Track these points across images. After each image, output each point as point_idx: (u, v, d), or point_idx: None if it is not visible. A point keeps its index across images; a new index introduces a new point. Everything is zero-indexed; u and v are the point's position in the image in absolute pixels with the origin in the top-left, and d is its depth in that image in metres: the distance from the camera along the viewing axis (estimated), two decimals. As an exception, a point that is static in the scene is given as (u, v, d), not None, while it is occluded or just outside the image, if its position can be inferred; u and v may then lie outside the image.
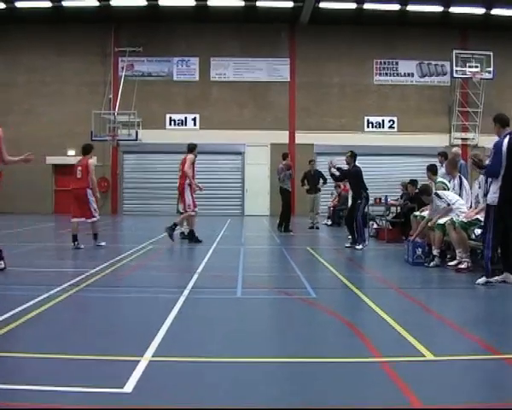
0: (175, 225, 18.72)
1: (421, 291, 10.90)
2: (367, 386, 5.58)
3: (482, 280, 11.06)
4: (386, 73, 40.50)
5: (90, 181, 17.28)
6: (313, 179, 25.72)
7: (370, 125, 40.20)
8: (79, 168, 17.36)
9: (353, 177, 18.28)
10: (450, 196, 14.34)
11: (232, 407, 4.98)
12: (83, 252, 16.15)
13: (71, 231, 17.24)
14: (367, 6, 37.52)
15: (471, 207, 14.26)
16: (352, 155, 18.32)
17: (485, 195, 11.68)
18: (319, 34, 39.38)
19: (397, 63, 40.40)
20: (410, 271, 13.42)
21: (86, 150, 17.90)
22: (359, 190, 17.97)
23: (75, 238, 16.98)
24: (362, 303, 9.44)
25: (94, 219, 17.47)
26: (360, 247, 17.44)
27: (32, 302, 8.76)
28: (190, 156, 18.91)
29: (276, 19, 38.99)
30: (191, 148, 19.21)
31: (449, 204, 13.96)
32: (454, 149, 16.72)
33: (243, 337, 7.37)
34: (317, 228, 26.02)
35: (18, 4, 37.27)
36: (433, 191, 14.55)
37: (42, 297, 9.17)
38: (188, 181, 18.65)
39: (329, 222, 28.96)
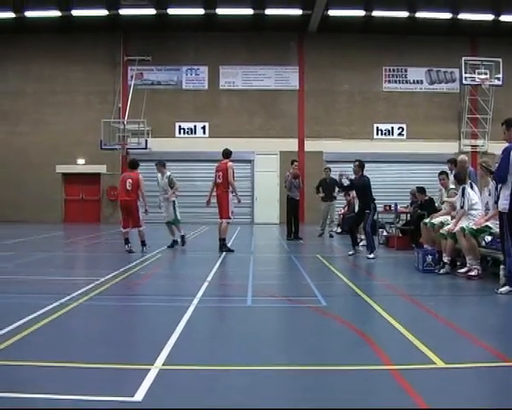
0: (223, 240, 18.68)
1: (431, 299, 10.87)
2: (377, 394, 5.56)
3: (505, 289, 10.89)
4: (396, 81, 40.45)
5: (141, 194, 18.30)
6: (329, 187, 25.64)
7: (380, 132, 40.15)
8: (129, 181, 18.15)
9: (361, 188, 18.12)
10: (474, 197, 14.15)
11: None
12: (93, 261, 16.19)
13: (122, 236, 18.16)
14: (376, 13, 37.51)
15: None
16: (360, 165, 18.12)
17: (496, 202, 11.64)
18: (328, 42, 39.37)
19: (406, 70, 40.35)
20: (421, 278, 13.39)
21: (134, 165, 18.87)
22: (367, 201, 17.84)
23: (127, 241, 17.89)
24: (372, 311, 9.42)
25: (141, 228, 18.26)
26: (372, 256, 17.31)
27: (42, 311, 8.78)
28: (231, 164, 18.91)
29: (284, 27, 38.99)
30: (228, 153, 19.33)
31: (462, 207, 13.85)
32: (461, 157, 16.71)
33: (253, 346, 7.37)
34: (332, 236, 26.01)
35: (27, 14, 37.40)
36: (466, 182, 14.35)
37: (52, 306, 9.18)
38: (231, 188, 18.69)
39: (339, 230, 28.91)
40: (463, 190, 14.05)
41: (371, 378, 6.02)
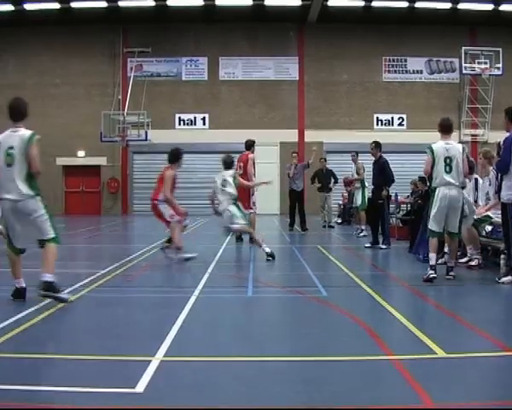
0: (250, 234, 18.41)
1: (432, 289, 10.85)
2: (379, 384, 5.57)
3: (508, 279, 10.87)
4: (395, 71, 40.46)
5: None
6: (325, 178, 25.52)
7: (380, 122, 40.16)
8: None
9: (380, 168, 17.65)
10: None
11: (243, 406, 4.98)
12: (94, 253, 16.21)
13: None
14: (375, 3, 37.45)
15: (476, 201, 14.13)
16: (377, 145, 17.89)
17: (497, 192, 11.63)
18: (328, 32, 39.36)
19: (406, 60, 40.35)
20: (421, 268, 13.36)
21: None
22: (382, 183, 17.44)
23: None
24: (373, 301, 9.43)
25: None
26: (385, 247, 17.23)
27: (43, 303, 8.78)
28: (252, 156, 18.45)
29: (284, 18, 38.96)
30: (250, 144, 18.99)
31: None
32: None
33: (254, 337, 7.38)
34: (332, 227, 25.92)
35: (27, 6, 37.33)
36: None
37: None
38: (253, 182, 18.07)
39: (339, 220, 28.91)
40: (476, 181, 14.03)
41: (372, 369, 6.03)
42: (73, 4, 37.52)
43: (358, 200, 22.67)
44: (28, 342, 6.95)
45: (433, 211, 11.47)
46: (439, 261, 13.59)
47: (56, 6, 37.43)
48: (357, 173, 23.19)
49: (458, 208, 11.54)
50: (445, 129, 11.81)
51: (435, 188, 11.49)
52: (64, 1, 37.05)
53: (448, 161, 11.35)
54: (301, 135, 39.67)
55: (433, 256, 11.49)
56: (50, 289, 8.80)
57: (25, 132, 9.02)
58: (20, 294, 9.05)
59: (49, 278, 8.83)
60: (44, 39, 39.59)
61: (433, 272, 11.26)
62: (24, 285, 9.11)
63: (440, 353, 6.33)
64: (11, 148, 8.80)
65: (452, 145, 11.65)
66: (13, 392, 5.22)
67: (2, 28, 38.88)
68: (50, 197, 37.88)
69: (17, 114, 9.13)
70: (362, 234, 20.81)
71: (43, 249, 9.08)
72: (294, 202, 23.95)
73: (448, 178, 11.33)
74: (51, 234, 9.09)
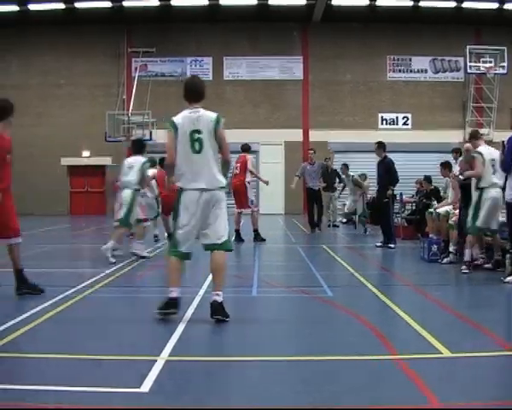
0: (256, 230, 19.32)
1: (437, 288, 10.85)
2: (384, 384, 5.56)
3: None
4: (400, 70, 40.38)
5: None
6: (330, 177, 25.35)
7: (384, 122, 40.10)
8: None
9: (385, 168, 17.59)
10: None
11: (248, 406, 4.98)
12: (98, 253, 16.19)
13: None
14: (379, 2, 37.38)
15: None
16: (381, 146, 17.85)
17: (503, 190, 11.71)
18: (332, 32, 39.30)
19: (410, 60, 40.27)
20: (426, 268, 13.38)
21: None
22: (387, 183, 17.37)
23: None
24: (378, 301, 9.43)
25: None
26: (393, 245, 17.19)
27: (47, 303, 8.80)
28: (250, 157, 19.63)
29: (288, 17, 38.94)
30: (246, 148, 20.07)
31: None
32: (466, 146, 16.56)
33: (259, 336, 7.37)
34: (337, 226, 25.89)
35: (31, 6, 37.37)
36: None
37: (58, 298, 9.20)
38: (248, 179, 19.01)
39: (344, 220, 28.86)
40: None
41: (378, 368, 6.02)
42: (78, 4, 37.54)
43: (359, 209, 23.21)
44: (33, 342, 6.96)
45: (483, 210, 12.12)
46: (445, 261, 13.63)
47: (61, 6, 37.44)
48: (358, 185, 24.10)
49: (500, 207, 12.26)
50: (477, 136, 13.28)
51: (483, 188, 12.18)
52: (68, 1, 37.08)
53: (493, 163, 12.17)
54: (306, 134, 39.63)
55: (468, 252, 12.27)
56: (220, 308, 7.83)
57: (209, 114, 8.23)
58: (174, 305, 8.01)
59: (218, 298, 7.83)
60: (48, 40, 39.61)
61: (465, 267, 12.14)
62: (178, 295, 8.06)
63: (446, 352, 6.32)
64: (197, 131, 7.99)
65: (493, 149, 12.74)
66: (17, 391, 5.23)
67: (6, 28, 38.90)
68: (55, 197, 38.10)
69: (195, 94, 8.39)
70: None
71: (213, 256, 8.05)
72: (312, 202, 23.56)
73: (495, 179, 12.13)
74: (224, 236, 8.06)
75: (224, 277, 8.06)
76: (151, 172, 17.72)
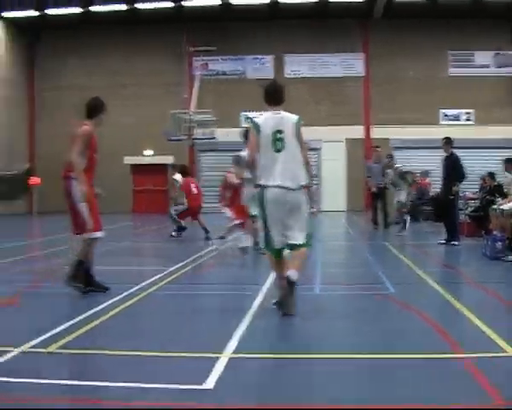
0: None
1: (501, 286, 10.71)
2: (446, 382, 5.48)
3: None
4: (462, 65, 39.90)
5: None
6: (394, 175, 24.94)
7: (446, 118, 39.69)
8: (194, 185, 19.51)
9: (452, 164, 17.20)
10: None
11: (311, 405, 4.99)
12: (162, 250, 16.40)
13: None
14: (440, -2, 37.02)
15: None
16: (448, 142, 17.54)
17: None
18: (392, 27, 39.06)
19: (472, 54, 39.79)
20: (490, 265, 13.21)
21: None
22: (454, 179, 17.00)
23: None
24: (440, 298, 9.33)
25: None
26: (457, 243, 16.91)
27: (112, 300, 8.93)
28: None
29: (348, 13, 38.81)
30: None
31: None
32: None
33: (322, 333, 7.37)
34: (399, 223, 25.49)
35: (93, 8, 37.95)
36: None
37: (122, 295, 9.33)
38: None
39: (408, 217, 28.52)
40: None
41: (441, 366, 5.95)
42: (139, 5, 37.99)
43: (403, 197, 22.27)
44: (98, 339, 7.07)
45: None
46: (509, 258, 13.43)
47: (123, 7, 37.97)
48: (404, 179, 22.75)
49: None
50: None
51: None
52: (130, 2, 37.55)
53: None
54: (367, 131, 39.48)
55: None
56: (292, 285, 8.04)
57: (290, 115, 8.49)
58: (291, 285, 8.04)
59: (293, 275, 7.97)
60: (111, 40, 40.25)
61: None
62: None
63: (510, 351, 6.24)
64: (280, 132, 8.19)
65: None
66: (84, 388, 5.31)
67: (69, 30, 39.66)
68: (119, 196, 38.58)
69: (277, 97, 8.60)
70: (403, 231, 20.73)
71: (293, 252, 8.28)
72: (376, 199, 23.36)
73: None
74: (305, 237, 8.26)
75: (302, 262, 8.31)
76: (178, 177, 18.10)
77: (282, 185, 8.04)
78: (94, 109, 9.98)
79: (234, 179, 14.53)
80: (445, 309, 8.64)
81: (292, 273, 7.96)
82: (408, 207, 22.70)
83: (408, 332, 7.41)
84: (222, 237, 15.55)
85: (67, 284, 9.42)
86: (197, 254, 15.04)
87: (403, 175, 22.59)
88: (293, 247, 8.20)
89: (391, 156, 23.06)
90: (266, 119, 8.38)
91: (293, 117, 8.43)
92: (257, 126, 8.30)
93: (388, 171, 22.69)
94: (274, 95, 8.63)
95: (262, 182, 8.15)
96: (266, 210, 8.15)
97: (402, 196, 22.23)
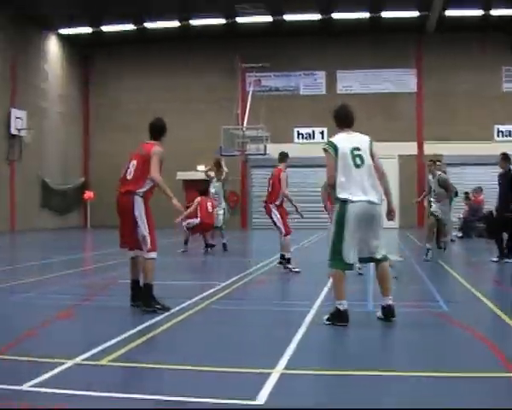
0: (282, 256, 15.21)
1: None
2: (502, 402, 5.43)
3: None
4: (516, 81, 39.51)
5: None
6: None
7: (501, 134, 39.24)
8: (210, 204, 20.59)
9: (509, 181, 16.82)
10: None
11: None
12: (213, 265, 16.46)
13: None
14: (493, 12, 36.62)
15: None
16: (506, 158, 17.20)
17: None
18: (445, 42, 38.84)
19: (527, 70, 39.37)
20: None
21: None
22: (511, 196, 16.72)
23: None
24: (496, 317, 9.20)
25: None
26: (511, 261, 16.55)
27: (164, 315, 9.00)
28: (284, 174, 15.72)
29: (401, 29, 38.65)
30: (282, 157, 16.31)
31: None
32: None
33: (374, 351, 7.34)
34: (453, 241, 24.73)
35: (148, 25, 38.41)
36: None
37: (174, 310, 9.38)
38: (278, 202, 15.50)
39: (460, 234, 28.29)
40: None
41: (495, 386, 5.87)
42: (193, 22, 38.34)
43: (437, 209, 19.93)
44: (150, 353, 7.13)
45: None
46: None
47: (176, 24, 38.36)
48: (445, 188, 18.70)
49: None
50: None
51: None
52: (183, 19, 37.91)
53: None
54: (420, 147, 39.21)
55: None
56: (393, 310, 8.60)
57: (363, 136, 9.11)
58: (345, 317, 8.36)
59: (391, 301, 8.60)
60: (164, 56, 40.74)
61: None
62: (347, 308, 8.41)
63: None
64: (357, 149, 8.65)
65: None
66: (138, 401, 5.36)
67: (123, 46, 40.15)
68: (172, 211, 38.76)
69: (349, 120, 9.25)
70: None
71: (378, 267, 8.76)
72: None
73: None
74: (383, 251, 8.75)
75: (390, 283, 8.78)
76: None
77: (369, 200, 8.37)
78: (161, 130, 10.49)
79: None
80: (501, 328, 8.52)
81: (390, 302, 8.61)
82: (445, 223, 19.92)
83: (461, 351, 7.33)
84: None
85: (145, 311, 9.33)
86: (249, 270, 15.07)
87: (445, 183, 18.76)
88: (375, 260, 8.66)
89: (434, 162, 19.44)
90: (342, 139, 8.79)
91: (366, 137, 9.03)
92: (334, 146, 8.67)
93: (429, 178, 19.14)
94: (346, 120, 9.19)
95: (345, 197, 8.36)
96: (347, 224, 8.33)
97: (438, 207, 18.46)
